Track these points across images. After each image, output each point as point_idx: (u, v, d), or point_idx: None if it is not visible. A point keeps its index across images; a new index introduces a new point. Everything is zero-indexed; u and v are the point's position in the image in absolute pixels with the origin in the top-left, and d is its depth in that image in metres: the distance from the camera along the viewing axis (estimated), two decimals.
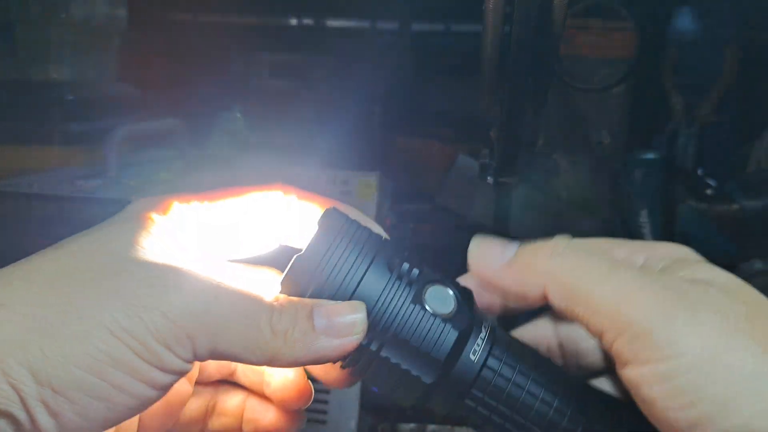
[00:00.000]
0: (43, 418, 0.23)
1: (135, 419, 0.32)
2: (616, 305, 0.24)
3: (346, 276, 0.28)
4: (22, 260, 0.26)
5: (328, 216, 0.29)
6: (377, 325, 0.28)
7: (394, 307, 0.28)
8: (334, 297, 0.28)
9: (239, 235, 0.31)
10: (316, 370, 0.32)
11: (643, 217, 0.77)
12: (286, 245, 0.31)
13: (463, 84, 0.84)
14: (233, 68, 0.99)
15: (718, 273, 0.26)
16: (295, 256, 0.28)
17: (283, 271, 0.29)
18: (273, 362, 0.26)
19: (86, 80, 0.91)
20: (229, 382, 0.34)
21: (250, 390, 0.34)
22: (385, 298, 0.28)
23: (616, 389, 0.30)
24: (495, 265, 0.27)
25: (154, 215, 0.29)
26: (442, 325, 0.28)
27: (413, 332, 0.28)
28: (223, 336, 0.25)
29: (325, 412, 0.66)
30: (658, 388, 0.23)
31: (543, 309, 0.29)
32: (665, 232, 0.77)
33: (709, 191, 0.78)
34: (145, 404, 0.25)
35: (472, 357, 0.28)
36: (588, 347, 0.31)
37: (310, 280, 0.28)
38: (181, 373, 0.26)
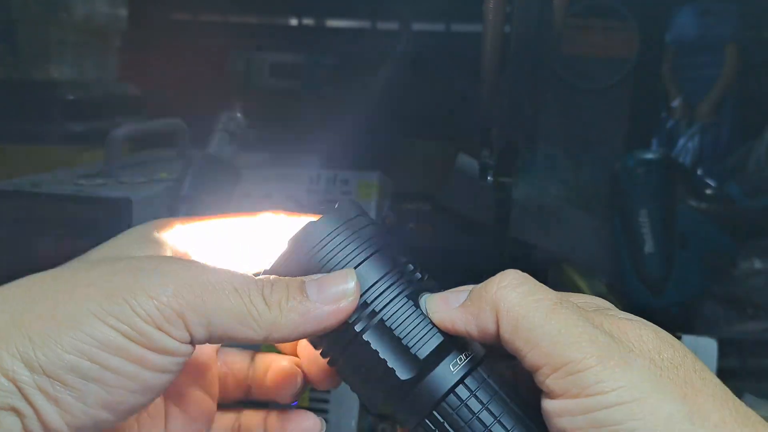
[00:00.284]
0: (45, 406, 0.24)
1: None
2: (554, 344, 0.25)
3: (349, 254, 0.28)
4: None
5: (350, 203, 0.30)
6: (366, 307, 0.28)
7: (387, 296, 0.28)
8: (332, 269, 0.28)
9: (234, 255, 0.32)
10: (305, 364, 0.33)
11: (643, 217, 0.77)
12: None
13: (463, 84, 0.84)
14: (233, 68, 1.00)
15: (643, 323, 0.27)
16: (309, 221, 0.28)
17: None
18: (272, 334, 0.27)
19: (86, 80, 0.91)
20: (249, 404, 0.35)
21: (268, 405, 0.35)
22: (381, 285, 0.28)
23: None
24: (453, 310, 0.28)
25: (152, 229, 0.30)
26: (430, 326, 0.28)
27: (400, 324, 0.28)
28: (216, 312, 0.26)
29: (325, 412, 0.67)
30: (580, 419, 0.25)
31: None
32: (665, 232, 0.77)
33: (709, 191, 0.79)
34: (147, 387, 0.26)
35: (451, 368, 0.28)
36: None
37: (317, 245, 0.28)
38: (181, 354, 0.26)
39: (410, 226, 0.87)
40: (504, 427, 0.27)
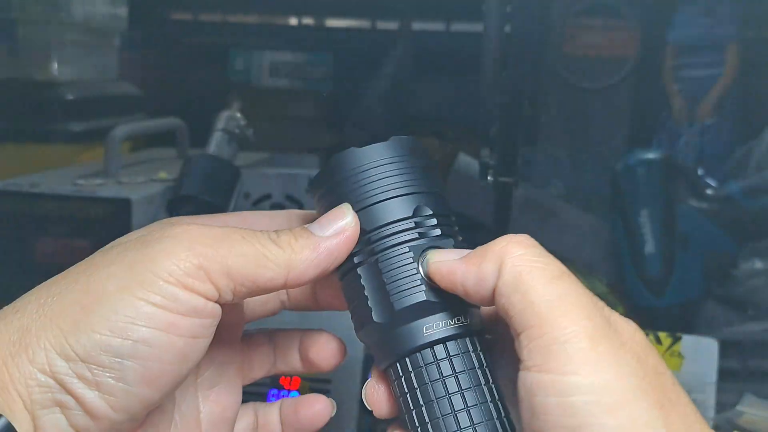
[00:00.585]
0: (87, 393, 0.24)
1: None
2: (550, 308, 0.25)
3: (374, 189, 0.28)
4: None
5: (408, 140, 0.30)
6: (369, 245, 0.28)
7: (391, 240, 0.28)
8: (354, 196, 0.28)
9: None
10: (329, 298, 0.34)
11: (643, 217, 0.77)
12: None
13: (463, 84, 0.84)
14: (233, 68, 0.99)
15: (637, 327, 0.27)
16: (351, 148, 0.29)
17: None
18: (291, 272, 0.27)
19: (86, 80, 0.91)
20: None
21: (290, 375, 0.35)
22: (391, 228, 0.28)
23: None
24: (453, 261, 0.28)
25: (153, 228, 0.30)
26: (417, 282, 0.28)
27: (389, 270, 0.28)
28: (233, 257, 0.26)
29: None
30: (554, 400, 0.23)
31: None
32: (666, 232, 0.77)
33: (709, 191, 0.78)
34: (182, 356, 0.26)
35: (424, 330, 0.27)
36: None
37: (352, 169, 0.29)
38: (209, 315, 0.26)
39: None
40: (464, 400, 0.26)
